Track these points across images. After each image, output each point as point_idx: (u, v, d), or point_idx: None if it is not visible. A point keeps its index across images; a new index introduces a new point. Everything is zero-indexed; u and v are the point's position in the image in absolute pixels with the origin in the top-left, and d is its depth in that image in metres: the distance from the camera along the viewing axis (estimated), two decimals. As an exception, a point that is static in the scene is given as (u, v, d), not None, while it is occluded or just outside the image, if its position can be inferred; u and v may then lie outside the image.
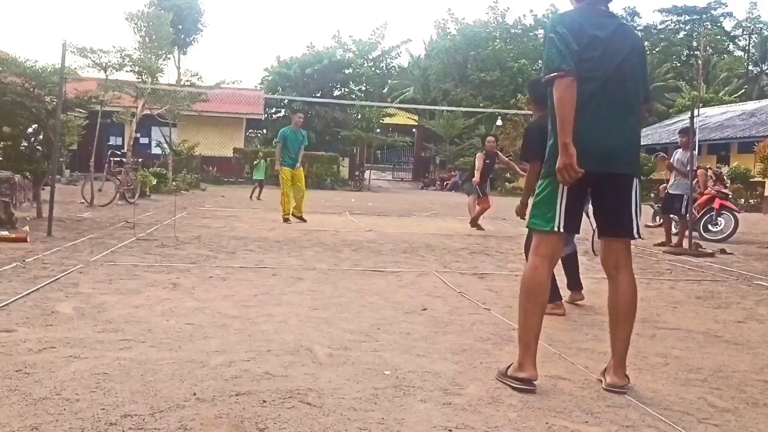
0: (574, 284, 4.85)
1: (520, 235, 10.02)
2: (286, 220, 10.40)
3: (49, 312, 3.75)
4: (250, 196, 17.43)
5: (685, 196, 8.91)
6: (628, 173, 2.87)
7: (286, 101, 31.52)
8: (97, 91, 13.15)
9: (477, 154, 11.14)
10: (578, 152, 2.68)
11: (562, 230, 2.81)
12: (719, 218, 10.32)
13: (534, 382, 2.74)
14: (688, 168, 8.81)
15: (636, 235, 2.93)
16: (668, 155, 9.64)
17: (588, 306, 4.77)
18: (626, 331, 2.89)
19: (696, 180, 9.42)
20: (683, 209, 8.95)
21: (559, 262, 3.77)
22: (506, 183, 30.85)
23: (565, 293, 4.77)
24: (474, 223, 10.75)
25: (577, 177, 2.70)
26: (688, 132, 9.19)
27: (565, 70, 2.71)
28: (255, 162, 19.07)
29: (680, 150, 9.18)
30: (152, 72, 16.98)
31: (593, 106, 2.76)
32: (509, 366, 2.84)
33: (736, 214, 10.65)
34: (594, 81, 2.77)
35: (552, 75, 2.74)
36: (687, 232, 9.11)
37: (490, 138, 11.17)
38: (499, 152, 11.21)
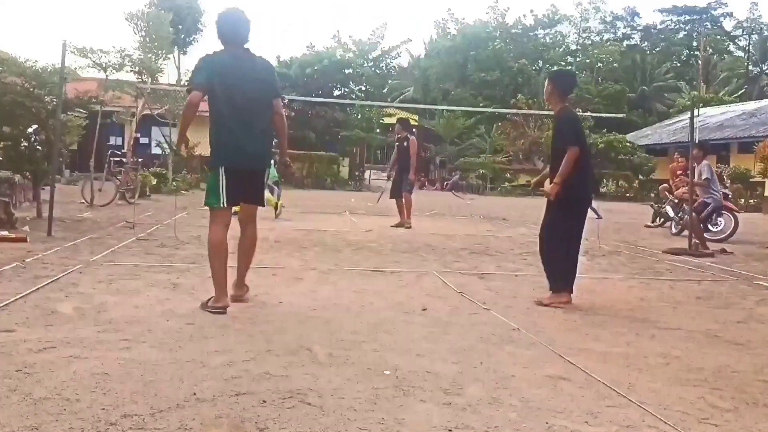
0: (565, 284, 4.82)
1: (520, 235, 10.03)
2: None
3: (49, 312, 3.75)
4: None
5: (712, 204, 9.69)
6: (260, 168, 4.22)
7: (286, 101, 31.50)
8: (97, 91, 13.14)
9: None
10: (230, 155, 4.02)
11: (226, 205, 4.04)
12: (719, 218, 10.33)
13: (227, 308, 3.91)
14: (704, 179, 9.49)
15: (261, 204, 4.32)
16: (674, 156, 10.10)
17: (588, 306, 4.77)
18: (247, 262, 4.30)
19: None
20: (703, 214, 9.55)
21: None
22: (506, 183, 30.88)
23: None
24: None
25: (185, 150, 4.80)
26: (698, 146, 9.62)
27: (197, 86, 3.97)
28: None
29: (696, 164, 9.47)
30: (152, 72, 16.96)
31: (230, 123, 4.02)
32: (209, 299, 3.98)
33: (736, 214, 10.66)
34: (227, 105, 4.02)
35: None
36: (687, 232, 9.13)
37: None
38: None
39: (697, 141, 9.65)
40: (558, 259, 4.79)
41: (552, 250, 4.83)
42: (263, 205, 4.32)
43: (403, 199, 10.61)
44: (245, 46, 4.16)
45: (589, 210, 4.99)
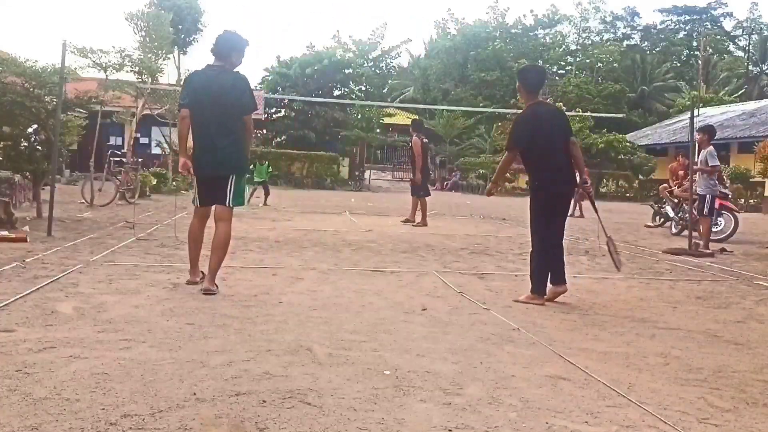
0: (558, 278, 4.85)
1: (520, 235, 10.02)
2: None
3: (49, 312, 3.75)
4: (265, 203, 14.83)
5: (708, 196, 8.85)
6: (225, 174, 4.69)
7: (286, 101, 31.52)
8: (97, 91, 13.13)
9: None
10: (199, 166, 4.69)
11: (200, 206, 4.86)
12: (719, 218, 10.31)
13: (197, 281, 4.75)
14: (710, 166, 8.75)
15: (228, 205, 4.76)
16: (675, 155, 9.66)
17: (588, 306, 4.77)
18: (219, 256, 4.66)
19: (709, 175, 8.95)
20: (705, 209, 8.86)
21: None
22: (506, 183, 30.88)
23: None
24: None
25: (187, 173, 4.79)
26: (704, 130, 9.12)
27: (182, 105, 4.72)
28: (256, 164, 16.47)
29: (702, 149, 8.90)
30: (152, 72, 16.94)
31: (200, 136, 4.69)
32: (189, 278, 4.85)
33: (736, 214, 10.65)
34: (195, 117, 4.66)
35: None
36: (687, 232, 9.11)
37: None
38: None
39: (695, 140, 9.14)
40: (539, 257, 4.81)
41: (535, 250, 4.85)
42: (225, 204, 4.79)
43: (418, 200, 11.21)
44: (235, 67, 4.74)
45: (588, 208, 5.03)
